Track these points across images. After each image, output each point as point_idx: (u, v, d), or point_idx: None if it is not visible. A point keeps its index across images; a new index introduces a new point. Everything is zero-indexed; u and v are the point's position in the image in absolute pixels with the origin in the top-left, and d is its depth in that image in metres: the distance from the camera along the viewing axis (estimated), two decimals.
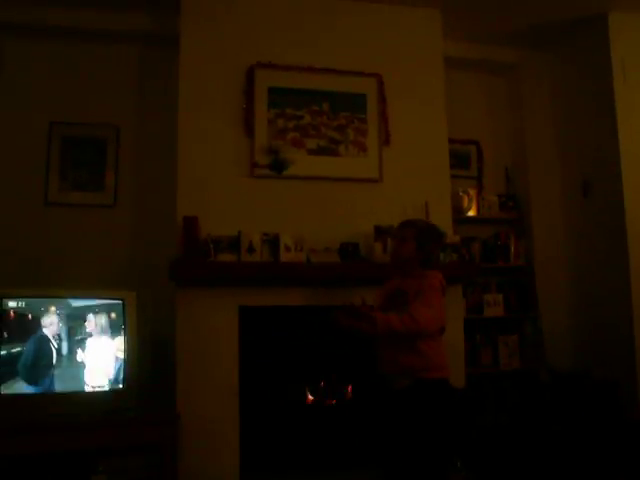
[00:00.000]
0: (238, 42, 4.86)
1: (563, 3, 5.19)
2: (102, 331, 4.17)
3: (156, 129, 5.16)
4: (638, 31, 5.33)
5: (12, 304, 4.02)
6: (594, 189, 5.44)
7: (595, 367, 5.19)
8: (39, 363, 4.02)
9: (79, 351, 4.09)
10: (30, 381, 4.00)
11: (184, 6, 4.78)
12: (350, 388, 4.79)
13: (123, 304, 4.20)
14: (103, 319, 4.18)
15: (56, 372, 4.04)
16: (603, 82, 5.30)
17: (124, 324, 4.19)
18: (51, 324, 4.05)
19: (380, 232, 4.64)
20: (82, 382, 4.09)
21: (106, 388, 4.13)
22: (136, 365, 4.21)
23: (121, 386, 4.15)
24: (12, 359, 3.97)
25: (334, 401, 4.75)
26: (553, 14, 5.37)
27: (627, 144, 5.17)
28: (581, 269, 5.61)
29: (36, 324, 4.02)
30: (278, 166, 4.70)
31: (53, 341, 4.04)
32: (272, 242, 4.51)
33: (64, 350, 4.06)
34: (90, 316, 4.14)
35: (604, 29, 5.29)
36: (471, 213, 5.65)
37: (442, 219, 4.82)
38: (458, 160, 5.77)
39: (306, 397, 4.74)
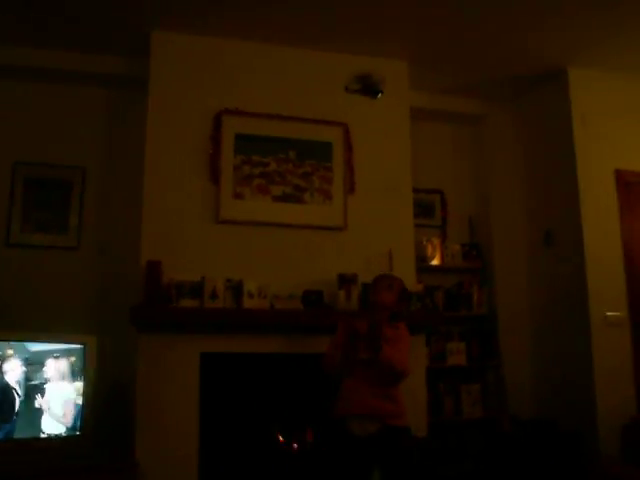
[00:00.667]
0: (207, 88, 4.90)
1: (525, 59, 5.34)
2: (61, 376, 4.12)
3: (122, 172, 5.18)
4: (597, 86, 5.51)
5: None
6: (556, 239, 5.53)
7: (557, 416, 5.23)
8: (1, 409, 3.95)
9: (37, 396, 4.03)
10: None
11: (154, 50, 4.83)
12: (311, 434, 4.76)
13: (84, 349, 4.16)
14: (62, 364, 4.13)
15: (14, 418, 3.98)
16: (564, 134, 5.44)
17: (84, 369, 4.14)
18: (12, 369, 3.99)
19: (344, 280, 4.67)
20: (39, 428, 4.02)
21: (64, 435, 4.07)
22: (95, 411, 4.16)
23: (79, 433, 4.09)
24: None
25: (295, 446, 4.72)
26: (516, 69, 5.52)
27: (588, 195, 5.28)
28: (543, 318, 5.68)
29: None
30: (371, 90, 4.70)
31: (16, 387, 3.97)
32: (235, 288, 4.51)
33: (22, 395, 4.00)
34: (49, 361, 4.08)
35: (565, 83, 5.46)
36: (435, 262, 5.71)
37: (406, 267, 4.91)
38: (422, 209, 5.85)
39: (268, 443, 4.71)
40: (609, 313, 5.15)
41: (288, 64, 5.11)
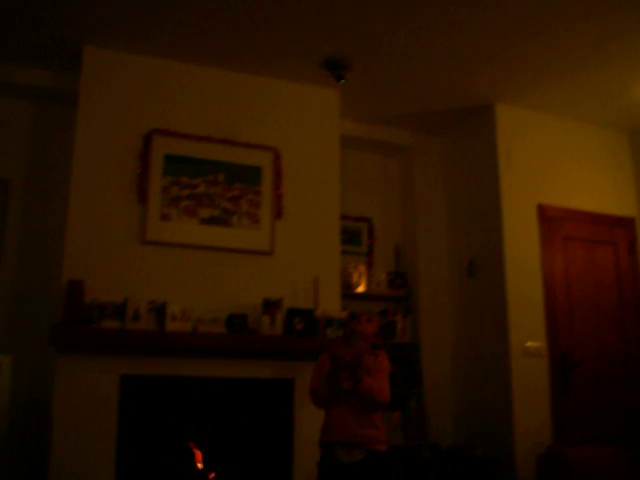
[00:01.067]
0: (138, 106, 4.87)
1: (454, 93, 5.49)
2: None
3: (48, 187, 5.08)
4: (521, 121, 5.70)
5: None
6: (479, 270, 5.64)
7: (477, 444, 5.31)
8: None
9: None
10: None
11: (86, 65, 4.77)
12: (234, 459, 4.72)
13: None
14: None
15: None
16: (490, 168, 5.58)
17: None
18: None
19: (269, 305, 4.68)
20: None
21: None
22: (8, 432, 4.06)
23: None
24: None
25: (213, 475, 4.66)
26: (445, 102, 5.67)
27: (510, 228, 5.42)
28: (465, 347, 5.77)
29: None
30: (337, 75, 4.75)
31: None
32: (159, 310, 4.47)
33: None
34: None
35: (492, 119, 5.63)
36: (360, 289, 5.74)
37: (331, 294, 4.98)
38: (350, 236, 5.91)
39: (189, 469, 4.64)
40: (529, 343, 5.26)
41: (221, 87, 5.12)
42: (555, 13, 4.28)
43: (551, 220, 5.60)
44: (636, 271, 5.87)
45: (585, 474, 4.74)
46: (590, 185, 5.87)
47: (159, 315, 4.46)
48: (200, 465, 4.54)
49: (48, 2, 4.27)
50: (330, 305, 4.94)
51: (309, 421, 4.27)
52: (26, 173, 5.13)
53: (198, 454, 4.52)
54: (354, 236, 6.00)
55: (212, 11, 4.36)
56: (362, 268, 5.81)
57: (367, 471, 3.57)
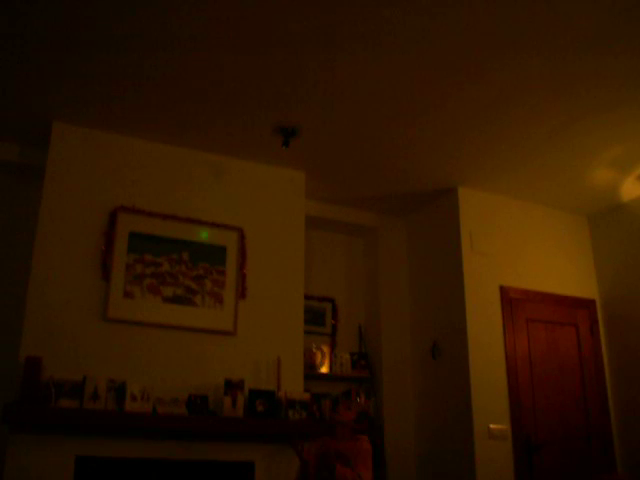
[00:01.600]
0: (104, 183, 4.89)
1: (417, 177, 5.62)
2: None
3: (9, 260, 5.01)
4: (483, 205, 5.84)
5: None
6: (442, 351, 5.65)
7: None
8: None
9: None
10: None
11: (53, 140, 4.81)
12: None
13: None
14: None
15: None
16: (452, 250, 5.67)
17: None
18: None
19: (230, 385, 4.62)
20: None
21: None
22: None
23: None
24: None
25: None
26: (408, 185, 5.79)
27: (472, 310, 5.47)
28: (429, 429, 5.72)
29: None
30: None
31: None
32: (118, 390, 4.39)
33: None
34: None
35: (454, 201, 5.76)
36: (323, 370, 5.72)
37: (294, 375, 4.94)
38: (313, 316, 5.92)
39: None
40: (492, 425, 5.24)
41: (187, 166, 5.19)
42: (515, 101, 4.43)
43: (513, 302, 5.67)
44: (598, 352, 5.94)
45: None
46: (552, 267, 5.98)
47: (119, 395, 4.38)
48: None
49: (17, 78, 4.31)
50: (293, 386, 4.90)
51: None
52: None
53: None
54: (318, 316, 6.02)
55: (175, 91, 4.44)
56: (326, 348, 5.81)
57: None
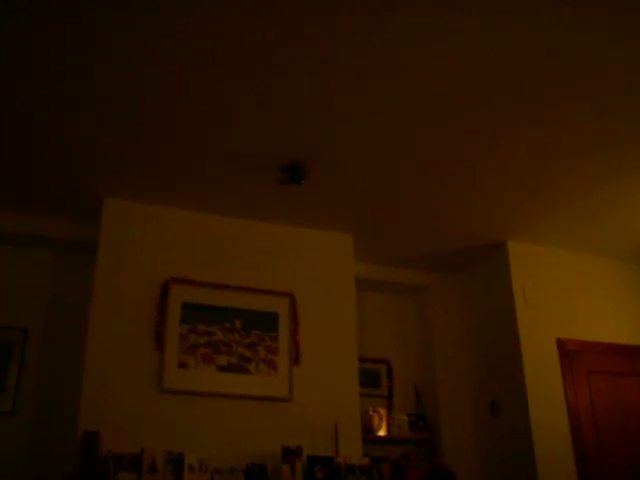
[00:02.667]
0: (155, 255, 4.97)
1: (465, 234, 5.61)
2: None
3: (65, 336, 5.14)
4: (534, 258, 5.79)
5: None
6: (502, 409, 5.54)
7: None
8: None
9: None
10: None
11: (105, 216, 4.93)
12: None
13: None
14: None
15: None
16: (506, 304, 5.61)
17: None
18: None
19: (288, 453, 4.57)
20: None
21: None
22: None
23: None
24: None
25: None
26: (457, 243, 5.79)
27: (531, 364, 5.37)
28: None
29: None
30: (296, 178, 4.63)
31: None
32: (176, 461, 4.35)
33: None
34: None
35: (505, 256, 5.73)
36: (381, 433, 5.63)
37: (352, 439, 4.90)
38: (368, 379, 5.87)
39: None
40: None
41: (237, 234, 5.26)
42: (561, 149, 4.41)
43: (572, 354, 5.56)
44: None
45: None
46: (608, 316, 5.86)
47: (176, 466, 4.34)
48: None
49: (69, 158, 4.47)
50: (351, 451, 4.85)
51: None
52: (44, 322, 5.21)
53: None
54: (373, 378, 5.96)
55: (222, 163, 4.55)
56: (382, 411, 5.72)
57: None
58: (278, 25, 3.27)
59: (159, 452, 4.35)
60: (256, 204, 5.13)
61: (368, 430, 5.48)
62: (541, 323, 5.56)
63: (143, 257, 4.96)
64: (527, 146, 4.36)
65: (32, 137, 4.22)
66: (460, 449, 5.81)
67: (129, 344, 4.70)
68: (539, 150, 4.41)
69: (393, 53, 3.48)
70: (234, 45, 3.40)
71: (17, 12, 3.15)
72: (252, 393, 4.83)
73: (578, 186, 4.89)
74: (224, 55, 3.48)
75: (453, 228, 5.53)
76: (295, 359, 5.04)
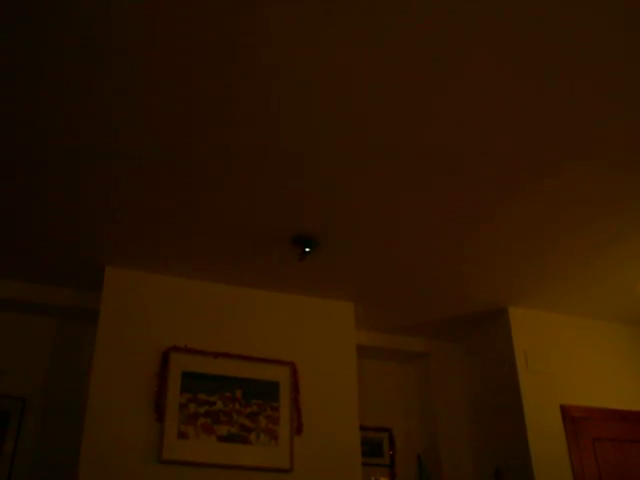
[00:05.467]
0: (156, 323, 5.02)
1: (466, 300, 5.67)
2: None
3: (64, 405, 5.16)
4: (536, 323, 5.83)
5: None
6: (507, 476, 5.51)
7: None
8: None
9: None
10: None
11: (107, 284, 5.00)
12: None
13: None
14: None
15: None
16: (508, 370, 5.63)
17: None
18: None
19: None
20: None
21: None
22: None
23: None
24: None
25: None
26: (458, 309, 5.84)
27: (534, 431, 5.34)
28: None
29: None
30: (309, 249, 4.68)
31: None
32: None
33: None
34: None
35: (506, 322, 5.78)
36: None
37: None
38: (370, 447, 5.86)
39: None
40: None
41: (236, 303, 5.33)
42: (563, 214, 4.45)
43: (576, 421, 5.55)
44: None
45: None
46: (614, 382, 5.87)
47: None
48: None
49: (69, 226, 4.56)
50: None
51: None
52: (43, 391, 5.22)
53: None
54: (375, 447, 5.96)
55: (220, 233, 4.65)
56: None
57: None
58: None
59: None
60: (257, 273, 5.19)
61: None
62: (544, 389, 5.57)
63: (144, 326, 5.01)
64: (527, 211, 4.41)
65: (32, 203, 4.30)
66: None
67: (128, 413, 4.70)
68: (539, 215, 4.46)
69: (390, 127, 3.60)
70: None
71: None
72: (253, 464, 4.82)
73: (579, 251, 4.94)
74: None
75: (454, 295, 5.58)
76: (296, 429, 5.05)
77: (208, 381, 4.99)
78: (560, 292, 5.61)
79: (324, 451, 5.07)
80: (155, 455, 4.65)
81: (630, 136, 3.69)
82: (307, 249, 4.69)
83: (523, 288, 5.52)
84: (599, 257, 5.05)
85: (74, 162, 3.89)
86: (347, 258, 4.99)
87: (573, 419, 5.58)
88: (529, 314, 5.88)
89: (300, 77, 3.24)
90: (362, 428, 5.40)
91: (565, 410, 5.59)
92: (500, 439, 5.71)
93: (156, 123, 3.55)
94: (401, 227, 4.60)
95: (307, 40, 3.02)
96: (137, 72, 3.21)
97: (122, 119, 3.52)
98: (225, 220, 4.49)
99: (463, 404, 6.24)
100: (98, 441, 4.54)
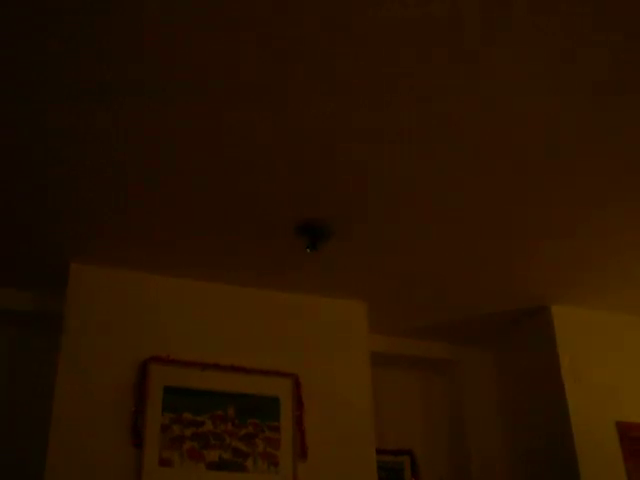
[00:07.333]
0: (132, 329, 4.75)
1: (502, 297, 5.37)
2: None
3: (23, 428, 4.84)
4: (585, 325, 5.51)
5: None
6: None
7: None
8: None
9: None
10: None
11: (72, 283, 4.73)
12: None
13: None
14: None
15: None
16: (552, 380, 5.32)
17: None
18: None
19: None
20: None
21: None
22: None
23: None
24: None
25: None
26: (492, 308, 5.55)
27: (584, 453, 5.03)
28: None
29: None
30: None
31: None
32: None
33: None
34: None
35: (549, 323, 5.44)
36: None
37: None
38: (389, 474, 5.59)
39: None
40: None
41: (229, 304, 5.07)
42: (612, 200, 4.24)
43: (636, 441, 5.24)
44: None
45: None
46: None
47: None
48: None
49: (26, 217, 4.29)
50: None
51: None
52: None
53: None
54: (394, 473, 5.65)
55: (209, 220, 4.38)
56: None
57: None
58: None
59: None
60: (253, 268, 4.93)
61: None
62: (596, 403, 5.25)
63: (117, 332, 4.71)
64: (573, 192, 4.17)
65: None
66: None
67: (100, 438, 4.40)
68: (588, 198, 4.21)
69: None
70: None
71: None
72: None
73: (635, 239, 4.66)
74: None
75: (487, 291, 5.29)
76: (301, 453, 4.74)
77: (195, 397, 4.70)
78: (616, 286, 5.28)
79: (333, 479, 4.81)
80: None
81: None
82: (315, 240, 4.44)
83: (569, 281, 5.18)
84: None
85: (27, 144, 3.65)
86: (360, 248, 4.70)
87: (632, 439, 5.25)
88: (577, 313, 5.53)
89: None
90: (379, 451, 5.09)
91: (622, 428, 5.26)
92: (543, 464, 5.38)
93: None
94: (427, 213, 4.34)
95: None
96: None
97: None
98: (215, 204, 4.22)
99: (499, 421, 5.93)
100: (64, 471, 4.26)
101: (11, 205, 4.14)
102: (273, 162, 3.82)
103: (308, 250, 4.41)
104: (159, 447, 4.48)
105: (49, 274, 4.87)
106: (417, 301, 5.41)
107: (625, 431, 5.23)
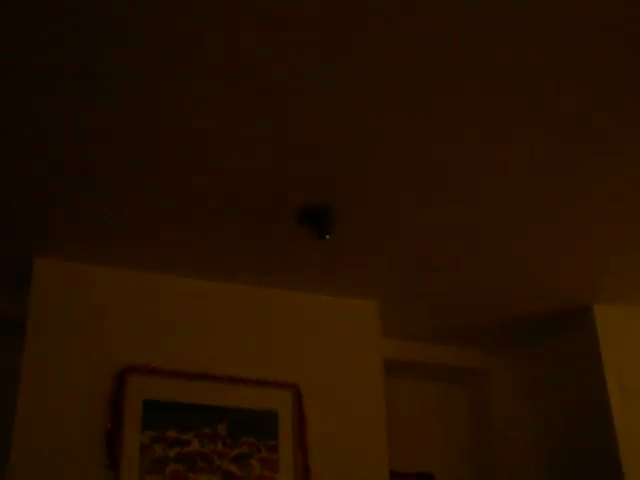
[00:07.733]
0: (107, 335, 4.40)
1: (535, 296, 5.05)
2: None
3: None
4: (631, 326, 5.23)
5: None
6: None
7: None
8: None
9: None
10: None
11: (36, 281, 4.37)
12: None
13: None
14: None
15: None
16: (595, 388, 5.02)
17: None
18: None
19: None
20: None
21: None
22: None
23: None
24: None
25: None
26: (523, 308, 5.24)
27: (634, 471, 4.70)
28: None
29: None
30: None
31: None
32: None
33: None
34: None
35: (590, 324, 5.16)
36: None
37: None
38: None
39: None
40: None
41: (219, 305, 4.73)
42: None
43: None
44: None
45: None
46: None
47: None
48: None
49: None
50: None
51: None
52: None
53: None
54: None
55: (194, 205, 4.00)
56: None
57: None
58: None
59: None
60: (247, 262, 4.57)
61: None
62: None
63: (90, 338, 4.34)
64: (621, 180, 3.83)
65: None
66: None
67: (69, 460, 4.05)
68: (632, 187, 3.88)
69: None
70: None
71: None
72: None
73: None
74: None
75: (517, 289, 4.95)
76: (303, 475, 4.44)
77: (180, 413, 4.40)
78: None
79: None
80: None
81: None
82: (323, 227, 4.11)
83: (615, 278, 4.86)
84: None
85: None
86: (372, 238, 4.34)
87: None
88: (623, 314, 5.18)
89: None
90: (393, 474, 4.75)
91: None
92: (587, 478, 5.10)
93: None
94: (453, 194, 3.96)
95: None
96: None
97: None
98: (201, 187, 3.85)
99: (532, 438, 5.58)
100: None
101: None
102: (272, 149, 3.53)
103: (320, 234, 4.09)
104: (138, 470, 4.18)
105: (8, 271, 4.56)
106: (438, 300, 5.11)
107: None
